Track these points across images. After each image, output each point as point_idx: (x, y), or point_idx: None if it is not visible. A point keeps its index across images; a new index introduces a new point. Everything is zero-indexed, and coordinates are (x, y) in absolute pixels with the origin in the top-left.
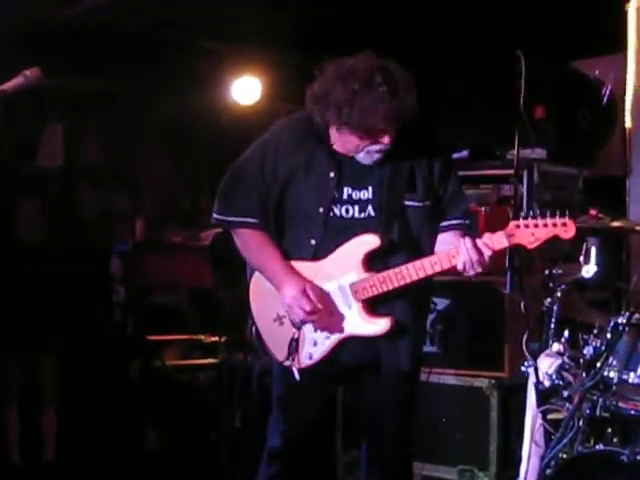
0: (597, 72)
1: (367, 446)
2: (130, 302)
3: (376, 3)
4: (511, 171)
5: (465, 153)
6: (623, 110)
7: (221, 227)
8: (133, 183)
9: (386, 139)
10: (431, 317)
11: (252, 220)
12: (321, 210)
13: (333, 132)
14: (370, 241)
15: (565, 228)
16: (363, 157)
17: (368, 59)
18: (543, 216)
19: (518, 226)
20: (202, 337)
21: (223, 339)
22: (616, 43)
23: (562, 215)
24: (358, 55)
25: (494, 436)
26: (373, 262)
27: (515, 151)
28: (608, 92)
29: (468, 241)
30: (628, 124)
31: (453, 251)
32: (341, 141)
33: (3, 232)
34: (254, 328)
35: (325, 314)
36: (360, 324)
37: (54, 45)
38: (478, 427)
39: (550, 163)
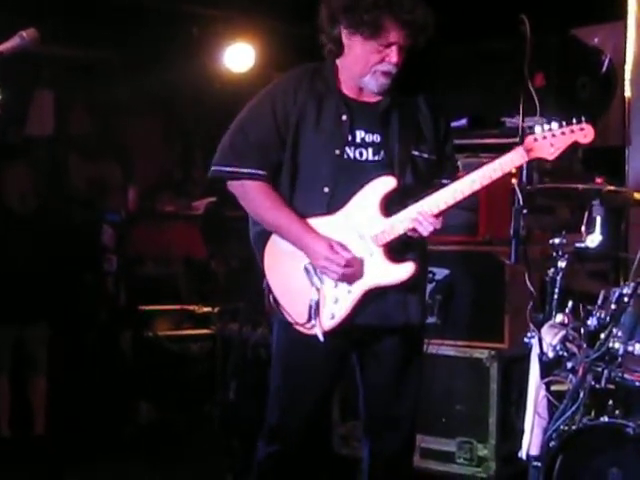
0: (596, 40)
1: (369, 415)
2: (122, 272)
3: None
4: (510, 139)
5: (464, 121)
6: (623, 79)
7: (221, 179)
8: (124, 153)
9: (394, 57)
10: (430, 287)
11: (262, 172)
12: (337, 152)
13: (342, 66)
14: (387, 182)
15: (584, 132)
16: (369, 80)
17: None
18: (559, 125)
19: (535, 139)
20: (195, 307)
21: (216, 309)
22: (615, 11)
23: (579, 121)
24: None
25: (494, 408)
26: (389, 206)
27: (520, 117)
28: (607, 61)
29: (417, 208)
30: (628, 93)
31: (472, 176)
32: (349, 66)
33: None
34: (271, 296)
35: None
36: (384, 271)
37: (43, 12)
38: (477, 399)
39: None
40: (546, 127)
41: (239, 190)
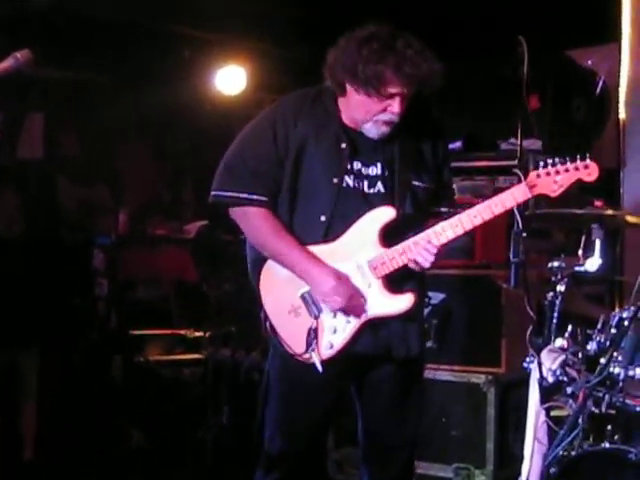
0: (590, 62)
1: (368, 443)
2: (113, 296)
3: None
4: (506, 162)
5: (459, 143)
6: (617, 101)
7: (222, 205)
8: (115, 175)
9: (396, 107)
10: (426, 311)
11: (263, 198)
12: (335, 180)
13: (343, 102)
14: (386, 213)
15: (588, 170)
16: (370, 128)
17: (388, 28)
18: (563, 162)
19: (539, 175)
20: (186, 332)
21: (207, 334)
22: (609, 33)
23: (583, 158)
24: (375, 26)
25: (491, 433)
26: (388, 237)
27: (519, 139)
28: (601, 83)
29: (417, 240)
30: (622, 115)
31: (473, 211)
32: (351, 108)
33: None
34: (267, 323)
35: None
36: (383, 303)
37: (34, 33)
38: (475, 424)
39: (544, 154)
40: (550, 163)
41: (240, 216)
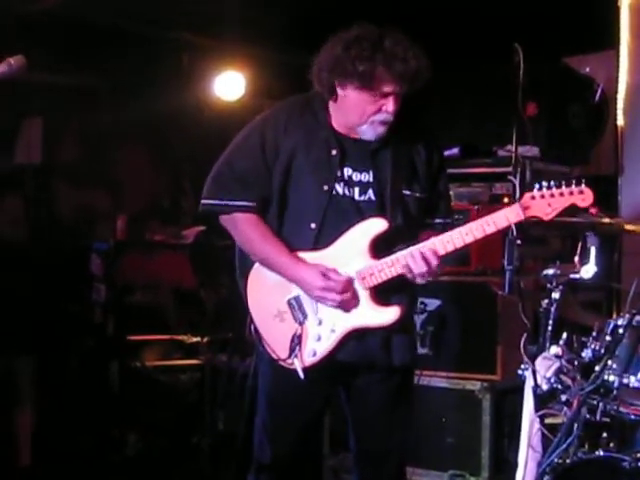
0: (587, 69)
1: (358, 448)
2: (110, 301)
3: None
4: (503, 169)
5: (456, 150)
6: (615, 108)
7: (211, 213)
8: (113, 181)
9: (391, 106)
10: (422, 318)
11: (250, 204)
12: (326, 188)
13: (334, 107)
14: (379, 224)
15: (582, 196)
16: (366, 130)
17: (373, 27)
18: (558, 185)
19: (533, 197)
20: (184, 337)
21: (205, 340)
22: (607, 40)
23: (578, 183)
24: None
25: (486, 440)
26: (378, 248)
27: (513, 146)
28: (600, 90)
29: (415, 253)
30: (620, 122)
31: (465, 229)
32: (344, 112)
33: None
34: (252, 326)
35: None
36: (368, 313)
37: (33, 38)
38: (470, 431)
39: (542, 161)
40: (545, 186)
41: (229, 223)
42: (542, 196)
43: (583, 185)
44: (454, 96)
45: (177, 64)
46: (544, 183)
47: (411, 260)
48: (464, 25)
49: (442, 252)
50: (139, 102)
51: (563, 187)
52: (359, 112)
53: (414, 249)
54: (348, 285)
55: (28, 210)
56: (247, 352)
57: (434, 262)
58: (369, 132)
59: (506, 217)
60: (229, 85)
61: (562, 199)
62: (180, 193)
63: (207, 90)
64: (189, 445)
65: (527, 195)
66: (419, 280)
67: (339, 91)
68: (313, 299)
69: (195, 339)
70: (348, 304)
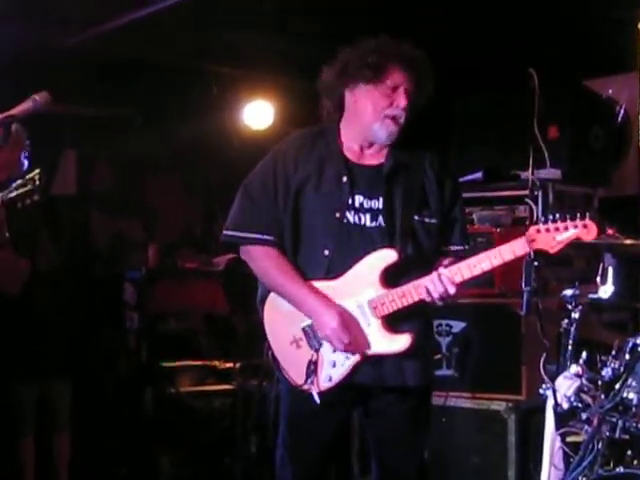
0: (610, 91)
1: (379, 469)
2: (144, 328)
3: (386, 27)
4: (524, 192)
5: (479, 174)
6: (637, 129)
7: (231, 245)
8: (146, 210)
9: (402, 101)
10: (447, 340)
11: (268, 237)
12: (337, 215)
13: (345, 124)
14: (389, 256)
15: (587, 230)
16: (379, 129)
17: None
18: (563, 219)
19: (539, 231)
20: (216, 363)
21: (237, 365)
22: (628, 62)
23: (582, 217)
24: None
25: (512, 460)
26: (390, 278)
27: (530, 169)
28: (623, 111)
29: (435, 276)
30: None
31: (473, 261)
32: (356, 115)
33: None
34: (270, 352)
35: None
36: (381, 342)
37: (67, 71)
38: (496, 451)
39: (565, 183)
40: (551, 219)
41: (247, 255)
42: (547, 230)
43: (587, 219)
44: (479, 120)
45: (207, 94)
46: (550, 217)
47: (430, 284)
48: (486, 50)
49: (458, 280)
50: (171, 131)
51: (568, 221)
52: (371, 109)
53: (423, 279)
54: (358, 335)
55: (60, 240)
56: (278, 377)
57: (452, 290)
58: (382, 132)
59: (512, 250)
60: (258, 114)
61: (567, 233)
62: (212, 221)
63: (237, 119)
64: (222, 469)
65: (533, 228)
66: (439, 303)
67: (348, 98)
68: (322, 338)
69: (228, 365)
70: (352, 349)
